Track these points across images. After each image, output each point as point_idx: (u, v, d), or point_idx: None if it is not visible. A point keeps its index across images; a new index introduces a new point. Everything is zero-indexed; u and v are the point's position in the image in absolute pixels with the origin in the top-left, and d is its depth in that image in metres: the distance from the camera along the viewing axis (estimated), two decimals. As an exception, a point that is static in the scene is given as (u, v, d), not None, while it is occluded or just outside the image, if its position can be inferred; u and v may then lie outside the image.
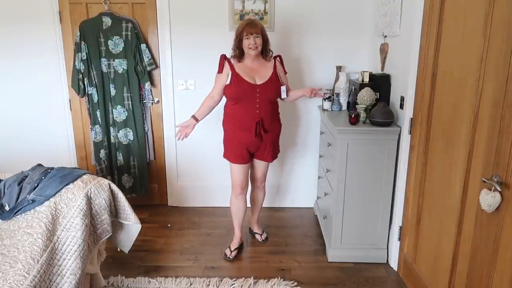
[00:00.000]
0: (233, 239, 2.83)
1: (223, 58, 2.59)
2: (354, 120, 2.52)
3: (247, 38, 2.46)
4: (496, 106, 1.56)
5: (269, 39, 2.58)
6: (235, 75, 2.52)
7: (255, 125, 2.53)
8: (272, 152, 2.71)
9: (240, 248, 2.82)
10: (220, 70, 2.58)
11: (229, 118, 2.63)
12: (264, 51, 2.58)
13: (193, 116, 2.62)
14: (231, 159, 2.67)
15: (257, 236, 3.01)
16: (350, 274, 2.58)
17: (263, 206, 3.02)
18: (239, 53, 2.54)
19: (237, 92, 2.52)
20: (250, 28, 2.46)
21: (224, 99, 2.65)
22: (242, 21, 2.62)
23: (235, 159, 2.65)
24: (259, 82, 2.54)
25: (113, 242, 2.34)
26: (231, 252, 2.75)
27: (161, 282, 2.46)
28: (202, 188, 3.58)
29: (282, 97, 2.65)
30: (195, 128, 2.65)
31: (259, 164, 2.77)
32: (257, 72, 2.56)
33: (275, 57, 2.66)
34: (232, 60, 2.58)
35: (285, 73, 2.71)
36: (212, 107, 2.65)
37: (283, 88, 2.62)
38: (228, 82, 2.54)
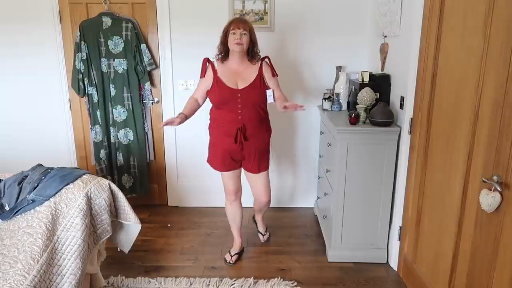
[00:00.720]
0: (233, 245, 2.80)
1: (206, 61, 2.48)
2: (354, 120, 2.52)
3: (233, 33, 2.33)
4: (496, 106, 1.56)
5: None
6: (216, 80, 2.41)
7: (236, 131, 2.41)
8: (258, 162, 2.53)
9: (240, 253, 2.78)
10: (203, 75, 2.47)
11: (213, 122, 2.53)
12: (251, 53, 2.43)
13: (182, 113, 2.41)
14: (213, 165, 2.58)
15: (260, 236, 2.97)
16: (350, 274, 2.58)
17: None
18: (224, 49, 2.41)
19: (218, 98, 2.42)
20: (238, 23, 2.34)
21: (208, 104, 2.53)
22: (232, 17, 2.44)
23: (217, 165, 2.56)
24: (241, 86, 2.40)
25: (113, 242, 2.34)
26: (231, 257, 2.72)
27: (161, 282, 2.46)
28: (202, 188, 3.58)
29: (269, 102, 2.48)
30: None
31: (251, 178, 2.62)
32: (240, 76, 2.42)
33: (262, 58, 2.49)
34: (215, 63, 2.46)
35: (274, 75, 2.49)
36: (196, 109, 2.50)
37: (269, 92, 2.44)
38: (210, 87, 2.44)
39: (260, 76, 2.44)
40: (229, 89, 2.39)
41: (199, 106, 2.53)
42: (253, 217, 3.04)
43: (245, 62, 2.45)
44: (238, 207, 2.72)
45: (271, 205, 3.50)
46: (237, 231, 2.78)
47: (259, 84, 2.43)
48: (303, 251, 2.86)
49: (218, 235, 3.09)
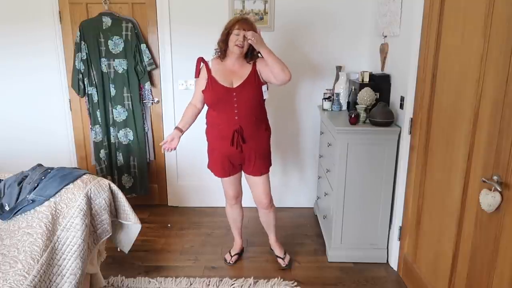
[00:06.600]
0: (234, 245, 2.80)
1: (200, 61, 2.40)
2: (354, 120, 2.52)
3: (237, 34, 2.23)
4: (496, 106, 1.56)
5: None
6: (210, 78, 2.32)
7: (233, 134, 2.31)
8: (259, 165, 2.43)
9: (240, 253, 2.78)
10: (197, 75, 2.40)
11: (210, 126, 2.45)
12: (250, 55, 2.34)
13: (177, 128, 2.41)
14: (213, 171, 2.51)
15: (280, 261, 2.68)
16: (350, 274, 2.58)
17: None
18: (224, 47, 2.31)
19: (212, 97, 2.32)
20: (243, 24, 2.23)
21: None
22: (237, 15, 2.32)
23: (217, 171, 2.49)
24: (236, 84, 2.31)
25: (113, 242, 2.34)
26: (231, 257, 2.72)
27: (161, 282, 2.46)
28: (202, 188, 3.58)
29: (265, 97, 2.39)
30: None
31: (251, 181, 2.51)
32: (236, 74, 2.33)
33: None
34: (210, 62, 2.38)
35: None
36: (195, 115, 2.47)
37: (264, 88, 2.34)
38: (204, 87, 2.36)
39: (254, 72, 2.34)
40: (224, 88, 2.30)
41: (199, 111, 2.48)
42: (270, 249, 2.82)
43: (241, 60, 2.36)
44: (239, 210, 2.70)
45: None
46: (238, 232, 2.78)
47: (254, 80, 2.33)
48: (303, 251, 2.86)
49: (218, 235, 3.09)
